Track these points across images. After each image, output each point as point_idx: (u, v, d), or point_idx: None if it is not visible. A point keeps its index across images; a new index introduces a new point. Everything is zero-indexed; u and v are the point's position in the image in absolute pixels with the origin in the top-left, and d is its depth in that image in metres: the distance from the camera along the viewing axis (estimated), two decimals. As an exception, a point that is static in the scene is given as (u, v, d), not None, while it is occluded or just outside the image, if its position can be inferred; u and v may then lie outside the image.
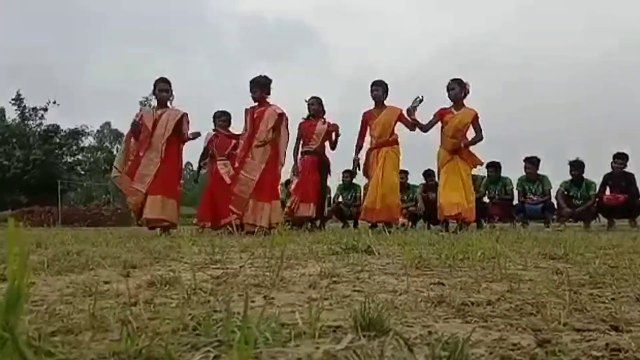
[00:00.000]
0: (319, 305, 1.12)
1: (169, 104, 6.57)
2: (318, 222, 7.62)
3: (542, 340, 0.88)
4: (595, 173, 9.28)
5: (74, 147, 36.04)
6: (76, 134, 35.81)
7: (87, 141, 38.42)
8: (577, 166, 9.08)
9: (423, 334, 0.98)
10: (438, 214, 7.16)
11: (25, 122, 34.87)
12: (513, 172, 9.92)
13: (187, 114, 6.53)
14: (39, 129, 34.47)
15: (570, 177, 9.18)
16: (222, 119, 7.71)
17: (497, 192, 9.70)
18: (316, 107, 7.59)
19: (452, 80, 7.12)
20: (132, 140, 6.54)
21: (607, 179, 8.98)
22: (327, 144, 7.65)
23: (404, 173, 10.59)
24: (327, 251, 2.92)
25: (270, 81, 6.67)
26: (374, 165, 7.17)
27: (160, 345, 0.82)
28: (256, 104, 6.62)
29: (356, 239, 3.29)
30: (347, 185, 10.81)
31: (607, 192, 8.96)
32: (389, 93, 7.36)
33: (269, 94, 6.67)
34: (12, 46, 58.19)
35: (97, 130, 46.16)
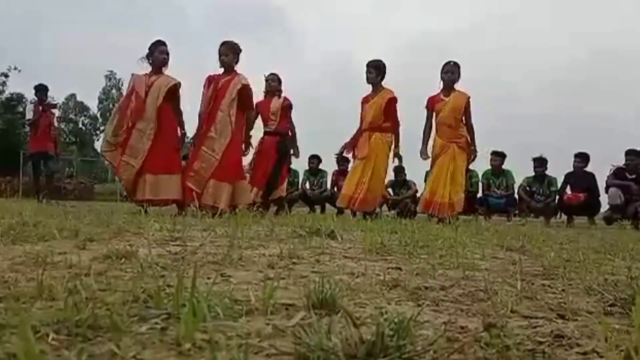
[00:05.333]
0: (274, 284, 1.12)
1: (164, 69, 5.98)
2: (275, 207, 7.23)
3: (488, 325, 0.89)
4: (559, 173, 9.52)
5: (38, 118, 35.06)
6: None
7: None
8: (540, 163, 9.28)
9: (374, 314, 0.98)
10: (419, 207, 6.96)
11: (-13, 89, 33.83)
12: (479, 164, 10.02)
13: (180, 83, 5.98)
14: (1, 97, 33.49)
15: (533, 173, 9.38)
16: None
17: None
18: (275, 85, 7.28)
19: (450, 63, 6.69)
20: (127, 110, 5.84)
21: (569, 178, 9.20)
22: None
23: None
24: (291, 234, 2.92)
25: (241, 50, 6.17)
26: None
27: (106, 315, 0.81)
28: (221, 71, 6.11)
29: (321, 223, 3.30)
30: (314, 171, 10.80)
31: (569, 190, 9.19)
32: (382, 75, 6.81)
33: (238, 62, 6.16)
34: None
35: (62, 102, 44.90)
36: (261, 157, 7.04)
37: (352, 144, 7.00)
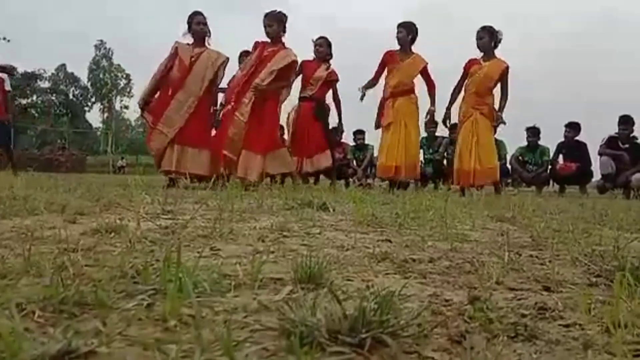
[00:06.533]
0: (262, 258, 1.12)
1: (207, 41, 5.96)
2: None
3: (473, 298, 0.90)
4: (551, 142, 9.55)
5: (28, 90, 34.78)
6: (32, 76, 34.48)
7: (42, 84, 37.06)
8: (533, 132, 9.31)
9: (361, 288, 0.99)
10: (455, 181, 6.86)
11: (-24, 60, 33.45)
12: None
13: (228, 59, 5.94)
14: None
15: (526, 143, 9.40)
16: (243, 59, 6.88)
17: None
18: (323, 50, 6.89)
19: (481, 28, 6.50)
20: (161, 75, 5.81)
21: (561, 148, 9.23)
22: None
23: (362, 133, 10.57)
24: (282, 206, 2.93)
25: (287, 18, 5.99)
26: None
27: (92, 291, 0.81)
28: (269, 41, 5.94)
29: (313, 195, 3.31)
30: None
31: (561, 160, 9.23)
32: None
33: (284, 32, 5.98)
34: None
35: (52, 73, 44.32)
36: (300, 124, 6.76)
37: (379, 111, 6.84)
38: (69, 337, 0.66)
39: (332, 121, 7.18)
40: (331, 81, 6.93)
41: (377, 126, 6.97)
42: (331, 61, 6.98)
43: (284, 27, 5.99)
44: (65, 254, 1.14)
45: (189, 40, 5.93)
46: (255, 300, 0.87)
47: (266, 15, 5.95)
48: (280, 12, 6.00)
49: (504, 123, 6.67)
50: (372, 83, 6.82)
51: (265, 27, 5.91)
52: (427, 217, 2.44)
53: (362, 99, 6.75)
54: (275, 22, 5.90)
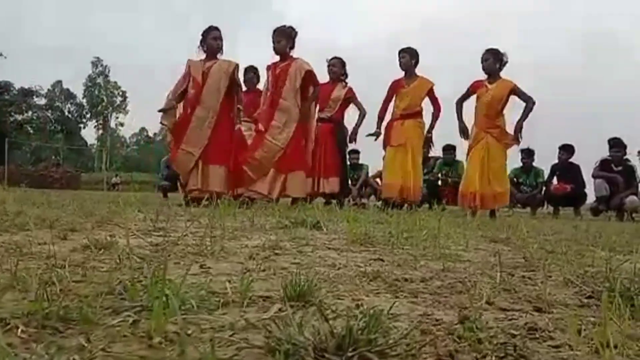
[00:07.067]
0: (252, 276, 1.12)
1: (218, 55, 5.84)
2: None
3: (463, 317, 0.89)
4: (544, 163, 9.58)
5: (24, 106, 34.84)
6: (28, 93, 34.53)
7: (38, 101, 37.13)
8: (527, 154, 9.35)
9: (350, 306, 0.98)
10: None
11: (-27, 76, 33.49)
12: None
13: (238, 65, 5.82)
14: (-13, 85, 33.18)
15: (520, 164, 9.45)
16: (249, 75, 6.94)
17: (449, 175, 9.82)
18: (337, 70, 6.92)
19: (486, 50, 6.40)
20: (177, 90, 5.76)
21: (555, 169, 9.28)
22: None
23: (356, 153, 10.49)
24: (275, 224, 2.92)
25: (296, 33, 6.00)
26: None
27: (78, 307, 0.80)
28: (278, 58, 6.01)
29: (307, 214, 3.30)
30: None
31: (555, 181, 9.27)
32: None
33: (293, 47, 6.00)
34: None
35: (48, 90, 44.35)
36: (318, 145, 6.66)
37: (385, 132, 6.79)
38: (52, 352, 0.65)
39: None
40: (349, 98, 6.95)
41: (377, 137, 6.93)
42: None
43: (293, 42, 5.99)
44: (53, 270, 1.13)
45: (202, 55, 5.86)
46: (243, 318, 0.86)
47: (275, 30, 5.95)
48: (290, 27, 6.00)
49: (519, 142, 6.53)
50: (381, 117, 6.85)
51: (273, 42, 5.91)
52: (421, 236, 2.43)
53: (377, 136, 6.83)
54: (284, 38, 5.91)
